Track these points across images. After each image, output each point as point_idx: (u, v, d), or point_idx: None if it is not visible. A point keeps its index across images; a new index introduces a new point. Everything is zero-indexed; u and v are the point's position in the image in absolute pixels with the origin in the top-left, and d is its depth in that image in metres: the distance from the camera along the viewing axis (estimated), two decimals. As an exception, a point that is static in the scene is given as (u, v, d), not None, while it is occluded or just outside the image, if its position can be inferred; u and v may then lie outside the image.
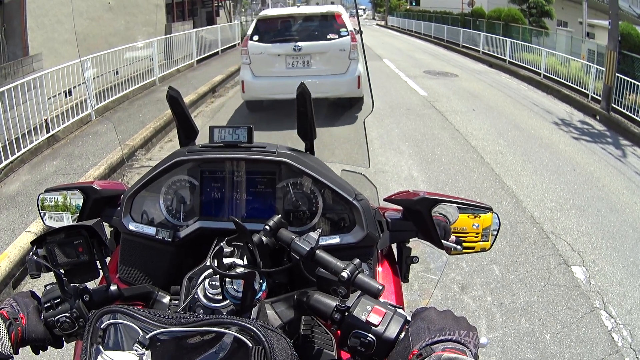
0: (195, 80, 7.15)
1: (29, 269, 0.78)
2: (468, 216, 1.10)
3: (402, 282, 1.17)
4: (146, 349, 0.62)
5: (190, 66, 7.97)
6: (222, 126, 1.04)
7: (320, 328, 0.91)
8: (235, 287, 0.76)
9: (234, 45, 11.67)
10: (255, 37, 4.56)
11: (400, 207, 1.14)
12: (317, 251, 0.78)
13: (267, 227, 0.80)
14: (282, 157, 1.01)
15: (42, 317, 0.76)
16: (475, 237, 1.13)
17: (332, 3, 7.11)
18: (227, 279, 0.75)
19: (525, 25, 12.41)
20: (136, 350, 0.60)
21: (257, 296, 0.76)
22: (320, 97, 4.40)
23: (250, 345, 0.61)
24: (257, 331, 0.62)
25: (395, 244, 1.15)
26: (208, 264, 0.80)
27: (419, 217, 1.06)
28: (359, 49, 4.61)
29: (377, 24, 37.87)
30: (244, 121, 5.39)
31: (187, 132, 1.15)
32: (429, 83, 6.61)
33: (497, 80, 7.26)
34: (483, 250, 1.11)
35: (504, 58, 9.49)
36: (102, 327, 0.65)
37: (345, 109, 4.16)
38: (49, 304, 0.78)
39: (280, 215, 0.82)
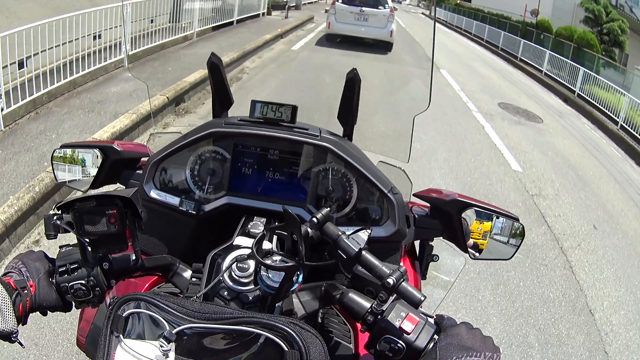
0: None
1: (46, 229, 0.73)
2: (481, 222, 1.07)
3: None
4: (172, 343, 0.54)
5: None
6: (265, 101, 0.98)
7: (338, 318, 0.86)
8: (271, 276, 0.73)
9: (258, 16, 11.25)
10: (340, 0, 8.57)
11: (427, 204, 1.08)
12: (364, 252, 0.76)
13: (314, 219, 0.77)
14: (325, 142, 0.97)
15: (54, 282, 0.72)
16: (477, 237, 1.09)
17: None
18: (271, 270, 0.69)
19: (602, 57, 12.03)
20: (161, 346, 0.58)
21: (293, 288, 0.73)
22: (367, 38, 8.97)
23: (286, 349, 0.58)
24: (294, 334, 0.59)
25: (419, 240, 1.06)
26: (235, 243, 0.78)
27: (447, 217, 1.01)
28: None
29: (422, 13, 38.08)
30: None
31: (223, 101, 1.10)
32: (513, 134, 5.61)
33: (584, 133, 6.85)
34: (503, 259, 1.10)
35: (573, 89, 9.28)
36: (124, 315, 0.62)
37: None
38: (63, 269, 0.74)
39: (328, 209, 0.79)
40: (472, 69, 9.56)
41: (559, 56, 10.32)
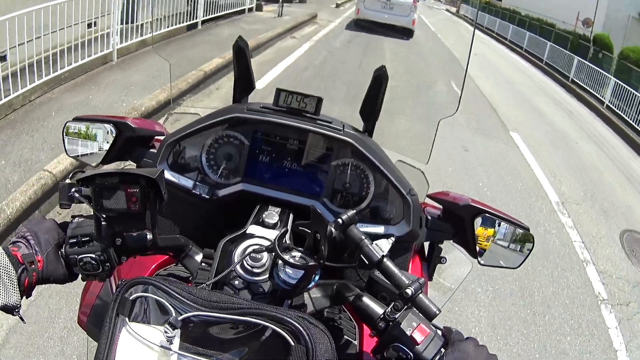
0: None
1: (60, 198, 0.75)
2: (485, 229, 1.13)
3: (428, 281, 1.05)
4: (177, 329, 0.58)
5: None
6: (290, 90, 1.03)
7: (344, 314, 0.91)
8: (289, 273, 0.75)
9: (242, 12, 10.26)
10: None
11: (439, 206, 1.13)
12: (385, 259, 0.80)
13: (339, 220, 0.81)
14: (349, 137, 1.01)
15: (63, 252, 0.73)
16: (482, 240, 1.12)
17: None
18: (290, 267, 0.73)
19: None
20: (166, 332, 0.60)
21: (309, 286, 0.77)
22: (391, 24, 10.71)
23: (293, 344, 0.61)
24: (301, 329, 0.62)
25: (429, 242, 1.11)
26: (249, 231, 0.82)
27: (459, 221, 1.06)
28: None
29: (447, 10, 36.09)
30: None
31: (245, 86, 1.14)
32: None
33: None
34: (510, 268, 1.15)
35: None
36: (131, 298, 0.64)
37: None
38: (74, 240, 0.75)
39: (355, 211, 0.82)
40: (534, 107, 8.49)
41: (627, 87, 8.85)
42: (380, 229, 0.99)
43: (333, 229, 0.77)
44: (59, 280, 0.71)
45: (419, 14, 12.28)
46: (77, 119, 1.08)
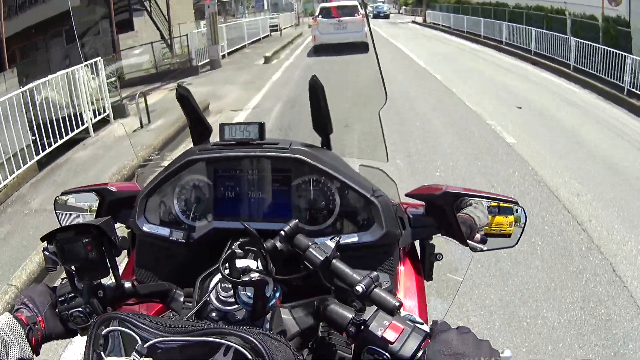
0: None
1: (45, 262, 0.94)
2: (506, 217, 1.18)
3: (425, 281, 1.24)
4: (146, 357, 0.71)
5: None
6: (232, 123, 1.17)
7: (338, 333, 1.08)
8: (247, 293, 0.84)
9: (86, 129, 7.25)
10: (320, 16, 14.13)
11: (422, 203, 1.25)
12: (334, 260, 0.87)
13: (282, 232, 0.91)
14: (296, 154, 1.13)
15: (57, 311, 0.93)
16: (505, 227, 1.17)
17: None
18: (240, 286, 0.84)
19: None
20: (134, 359, 0.71)
21: (270, 303, 0.85)
22: (347, 42, 13.04)
23: (250, 357, 0.69)
24: (256, 342, 0.70)
25: (418, 241, 1.26)
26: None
27: (442, 212, 1.16)
28: (368, 35, 11.39)
29: (413, 22, 33.58)
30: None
31: (200, 130, 1.28)
32: None
33: None
34: (508, 247, 1.21)
35: None
36: (102, 333, 0.76)
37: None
38: (63, 298, 0.93)
39: (297, 221, 0.93)
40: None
41: None
42: (354, 238, 1.11)
43: (278, 242, 0.91)
44: (61, 336, 0.94)
45: (388, 37, 16.30)
46: (64, 193, 1.32)
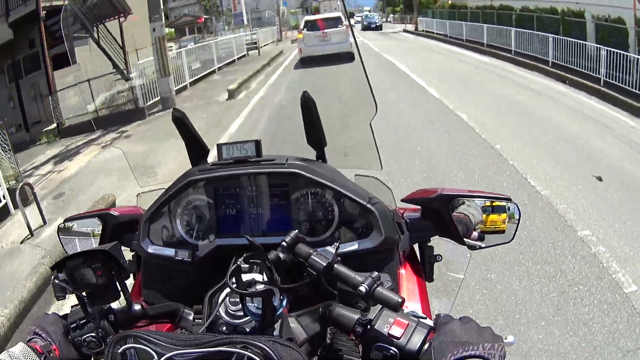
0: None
1: (54, 292, 1.01)
2: (499, 215, 1.22)
3: (426, 282, 1.30)
4: None
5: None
6: (229, 143, 1.25)
7: (346, 336, 1.11)
8: (255, 304, 0.90)
9: None
10: (305, 29, 14.97)
11: (418, 207, 1.32)
12: (336, 265, 0.95)
13: (284, 243, 0.98)
14: (292, 168, 1.21)
15: (70, 338, 1.01)
16: (499, 224, 1.22)
17: (336, 9, 17.52)
18: (248, 297, 0.91)
19: None
20: None
21: (278, 312, 0.92)
22: (332, 53, 12.89)
23: None
24: (266, 348, 0.76)
25: (417, 244, 1.33)
26: (228, 280, 1.04)
27: (438, 214, 1.22)
28: (353, 45, 12.72)
29: (404, 30, 31.64)
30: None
31: (198, 151, 1.37)
32: None
33: None
34: (505, 243, 1.25)
35: None
36: (119, 351, 0.83)
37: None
38: (75, 324, 1.00)
39: (297, 231, 1.02)
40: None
41: None
42: (354, 246, 1.19)
43: (280, 253, 0.98)
44: None
45: (380, 51, 17.30)
46: (68, 220, 1.41)
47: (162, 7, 10.13)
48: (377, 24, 37.29)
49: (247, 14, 36.46)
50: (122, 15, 13.48)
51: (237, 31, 28.42)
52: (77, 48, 12.22)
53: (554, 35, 11.98)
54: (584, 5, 12.14)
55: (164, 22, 10.53)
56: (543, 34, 12.51)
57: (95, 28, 12.53)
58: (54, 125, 8.89)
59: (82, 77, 11.12)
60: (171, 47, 19.77)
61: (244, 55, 19.77)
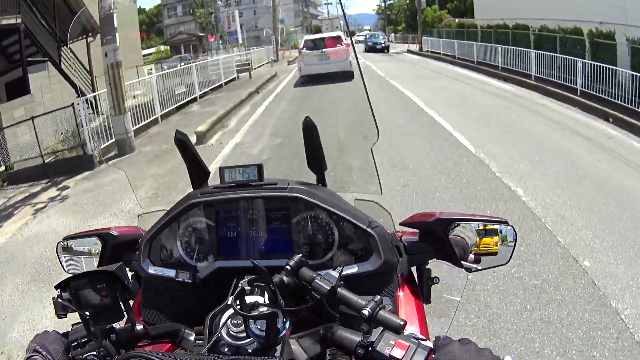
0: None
1: (55, 310, 1.03)
2: (492, 237, 1.25)
3: (424, 304, 1.36)
4: None
5: None
6: (231, 166, 1.32)
7: (347, 357, 1.11)
8: (258, 327, 0.94)
9: None
10: (304, 48, 16.69)
11: (416, 230, 1.38)
12: (339, 289, 0.98)
13: (288, 267, 1.02)
14: (294, 192, 1.25)
15: (71, 357, 1.03)
16: (492, 247, 1.27)
17: (337, 28, 17.79)
18: (252, 319, 0.97)
19: None
20: None
21: (281, 334, 0.96)
22: (331, 72, 15.38)
23: None
24: None
25: (415, 266, 1.38)
26: (229, 302, 1.06)
27: (436, 237, 1.27)
28: (354, 65, 15.71)
29: (408, 51, 30.14)
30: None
31: (199, 174, 1.41)
32: None
33: None
34: (501, 265, 1.29)
35: None
36: None
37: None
38: (76, 343, 1.01)
39: (300, 255, 1.06)
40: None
41: None
42: (354, 269, 1.23)
43: (285, 277, 1.02)
44: None
45: (385, 75, 16.97)
46: (67, 238, 1.45)
47: (115, 26, 8.26)
48: (383, 45, 33.34)
49: (243, 33, 35.13)
50: (90, 34, 11.77)
51: (231, 50, 27.19)
52: (33, 75, 10.98)
53: (583, 60, 10.68)
54: (610, 25, 10.76)
55: (118, 44, 8.60)
56: (569, 57, 11.00)
57: (57, 51, 11.09)
58: (2, 168, 7.67)
59: (37, 109, 9.96)
60: (151, 69, 19.18)
61: (233, 79, 18.17)
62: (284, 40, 39.92)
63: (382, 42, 33.90)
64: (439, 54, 22.02)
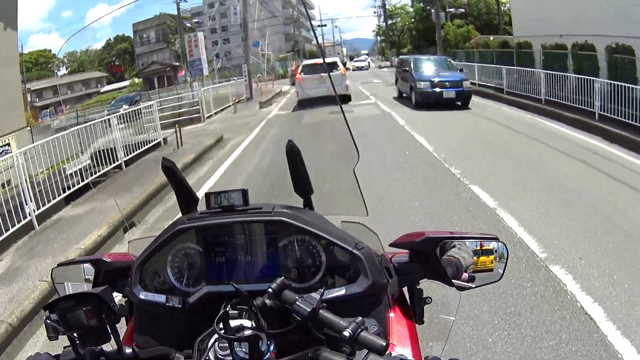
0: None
1: (47, 332, 1.11)
2: (488, 257, 1.33)
3: (417, 325, 1.45)
4: None
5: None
6: (217, 192, 1.41)
7: None
8: (243, 349, 1.02)
9: None
10: (302, 72, 19.08)
11: (406, 250, 1.49)
12: (321, 311, 1.06)
13: (270, 290, 1.11)
14: (279, 216, 1.35)
15: None
16: (488, 264, 1.40)
17: (338, 54, 21.10)
18: (236, 342, 1.05)
19: None
20: None
21: (265, 357, 1.04)
22: (327, 96, 18.22)
23: None
24: None
25: (407, 287, 1.50)
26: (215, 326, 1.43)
27: (426, 257, 1.36)
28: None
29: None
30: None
31: (187, 200, 1.51)
32: None
33: None
34: (493, 282, 1.35)
35: None
36: None
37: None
38: None
39: (283, 278, 1.16)
40: None
41: None
42: (342, 291, 1.33)
43: (267, 300, 1.11)
44: None
45: (405, 123, 14.38)
46: (60, 265, 1.56)
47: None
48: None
49: (219, 61, 27.94)
50: None
51: (189, 86, 23.54)
52: None
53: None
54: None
55: None
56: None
57: None
58: None
59: None
60: (8, 143, 11.01)
61: (157, 145, 10.63)
62: (270, 69, 34.18)
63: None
64: (474, 84, 15.94)
